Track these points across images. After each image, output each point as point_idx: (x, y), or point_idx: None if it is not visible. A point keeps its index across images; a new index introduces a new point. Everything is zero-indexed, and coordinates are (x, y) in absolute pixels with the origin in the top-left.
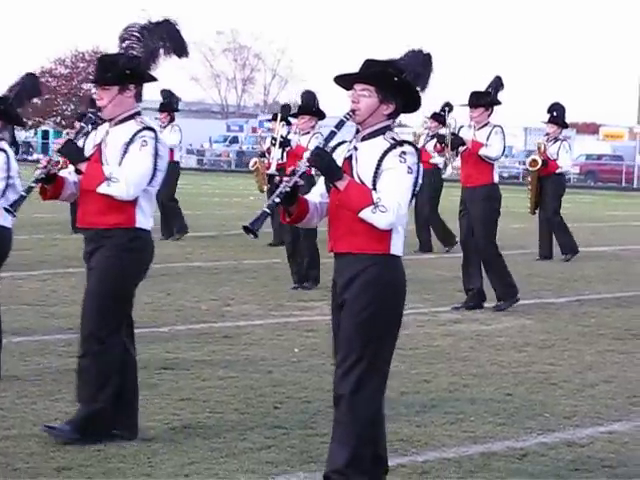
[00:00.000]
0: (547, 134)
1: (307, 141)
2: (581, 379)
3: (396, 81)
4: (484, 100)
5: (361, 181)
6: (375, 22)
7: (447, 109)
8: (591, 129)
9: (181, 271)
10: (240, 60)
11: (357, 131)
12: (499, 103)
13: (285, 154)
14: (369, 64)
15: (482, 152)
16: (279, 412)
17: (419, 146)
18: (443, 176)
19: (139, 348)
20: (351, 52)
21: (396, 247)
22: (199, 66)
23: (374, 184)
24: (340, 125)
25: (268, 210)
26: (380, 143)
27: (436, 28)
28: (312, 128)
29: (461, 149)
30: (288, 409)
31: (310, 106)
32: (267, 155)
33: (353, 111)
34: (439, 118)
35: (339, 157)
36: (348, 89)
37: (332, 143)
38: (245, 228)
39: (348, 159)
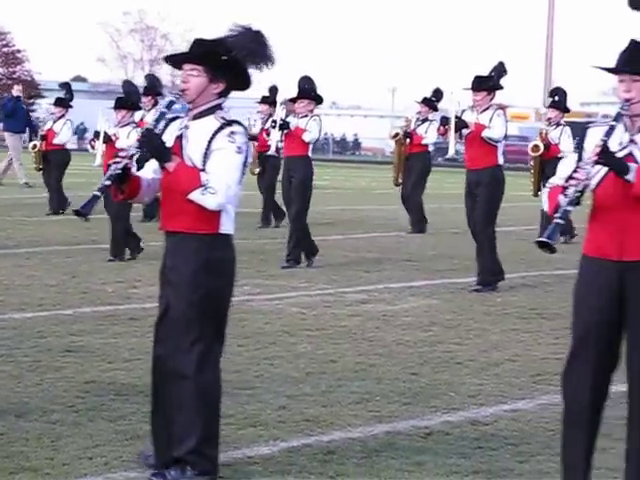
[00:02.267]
0: (549, 119)
1: (305, 124)
2: (486, 358)
3: (224, 60)
4: (486, 84)
5: (191, 161)
6: (281, 5)
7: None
8: None
9: (87, 253)
10: (147, 41)
11: (188, 110)
12: (501, 88)
13: (283, 136)
14: (198, 43)
15: (485, 134)
16: None
17: (409, 130)
18: (447, 157)
19: (43, 330)
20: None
21: (226, 226)
22: (106, 47)
23: (204, 164)
24: (170, 105)
25: (98, 193)
26: (210, 123)
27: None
28: (310, 112)
29: (465, 132)
30: None
31: (309, 90)
32: (266, 136)
33: (182, 90)
34: (430, 103)
35: (171, 134)
36: (179, 69)
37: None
38: (76, 212)
39: (179, 138)
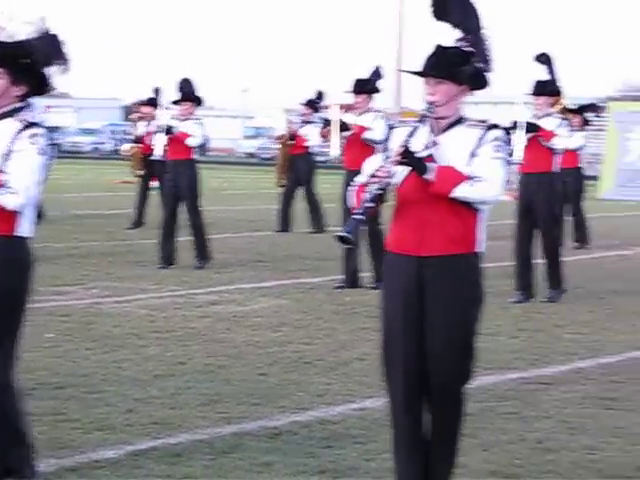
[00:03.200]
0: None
1: (187, 127)
2: (335, 357)
3: (25, 63)
4: (366, 87)
5: None
6: (130, 7)
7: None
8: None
9: None
10: None
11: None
12: (378, 91)
13: (168, 140)
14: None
15: (367, 135)
16: (30, 398)
17: (292, 132)
18: (328, 158)
19: None
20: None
21: (23, 229)
22: None
23: (4, 165)
24: None
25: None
26: (11, 125)
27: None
28: (191, 114)
29: (346, 134)
30: (39, 395)
31: (190, 93)
32: (147, 140)
33: None
34: (313, 105)
35: None
36: None
37: None
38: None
39: None
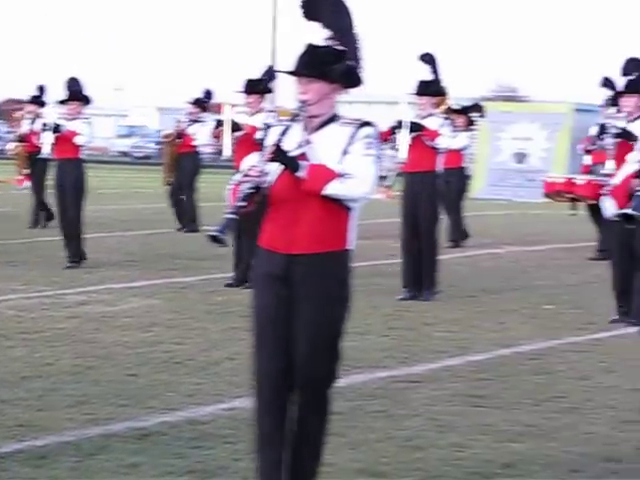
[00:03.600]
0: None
1: (75, 126)
2: (206, 357)
3: None
4: (258, 88)
5: None
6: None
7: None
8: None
9: None
10: None
11: None
12: (271, 91)
13: (55, 138)
14: None
15: (258, 136)
16: None
17: (180, 130)
18: (222, 158)
19: None
20: None
21: None
22: None
23: None
24: None
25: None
26: None
27: None
28: (79, 114)
29: (238, 134)
30: None
31: (78, 92)
32: (32, 139)
33: None
34: (201, 104)
35: None
36: None
37: None
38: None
39: None
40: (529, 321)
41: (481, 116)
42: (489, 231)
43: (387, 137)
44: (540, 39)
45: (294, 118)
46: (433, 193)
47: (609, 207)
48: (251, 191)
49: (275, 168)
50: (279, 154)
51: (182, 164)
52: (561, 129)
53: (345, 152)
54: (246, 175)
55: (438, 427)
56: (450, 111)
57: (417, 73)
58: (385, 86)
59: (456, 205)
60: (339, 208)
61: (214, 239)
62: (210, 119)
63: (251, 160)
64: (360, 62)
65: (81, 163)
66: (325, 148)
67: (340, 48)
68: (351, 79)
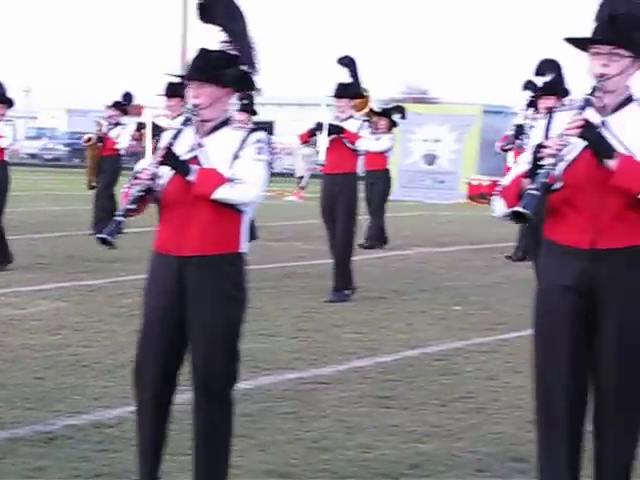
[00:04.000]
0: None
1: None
2: (113, 360)
3: None
4: (179, 91)
5: None
6: None
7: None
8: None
9: None
10: None
11: None
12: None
13: None
14: None
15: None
16: None
17: (101, 134)
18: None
19: None
20: None
21: None
22: None
23: None
24: None
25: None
26: None
27: None
28: (2, 116)
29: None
30: None
31: (1, 95)
32: None
33: None
34: (121, 107)
35: None
36: None
37: None
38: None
39: None
40: (438, 322)
41: (402, 118)
42: (400, 232)
43: (306, 139)
44: (449, 41)
45: (186, 122)
46: (352, 195)
47: (499, 207)
48: (141, 194)
49: (167, 171)
50: (170, 158)
51: (104, 167)
52: (470, 131)
53: (236, 156)
54: (137, 178)
55: (346, 428)
56: (372, 113)
57: (336, 75)
58: (304, 88)
59: (380, 207)
60: (230, 211)
61: (103, 241)
62: (131, 122)
63: (143, 163)
64: (254, 66)
65: (6, 166)
66: (217, 152)
67: (233, 52)
68: (244, 83)
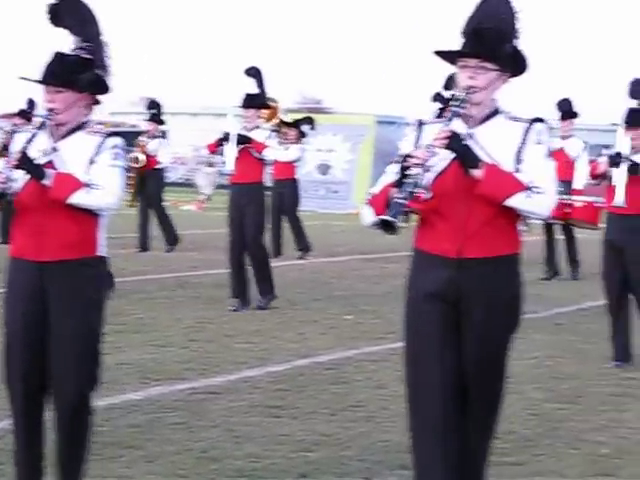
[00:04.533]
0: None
1: None
2: None
3: None
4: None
5: None
6: None
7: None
8: None
9: None
10: None
11: None
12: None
13: None
14: None
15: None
16: None
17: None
18: None
19: None
20: None
21: None
22: None
23: None
24: None
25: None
26: None
27: None
28: None
29: None
30: None
31: None
32: None
33: None
34: (26, 115)
35: None
36: None
37: None
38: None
39: None
40: (329, 331)
41: (312, 128)
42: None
43: (214, 149)
44: (343, 51)
45: (40, 126)
46: (259, 204)
47: (368, 216)
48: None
49: (22, 175)
50: (24, 161)
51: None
52: (363, 141)
53: (92, 161)
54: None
55: (235, 438)
56: (282, 124)
57: (244, 86)
58: (212, 98)
59: (293, 216)
60: (86, 215)
61: None
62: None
63: None
64: (108, 69)
65: None
66: (72, 156)
67: (87, 56)
68: (99, 87)
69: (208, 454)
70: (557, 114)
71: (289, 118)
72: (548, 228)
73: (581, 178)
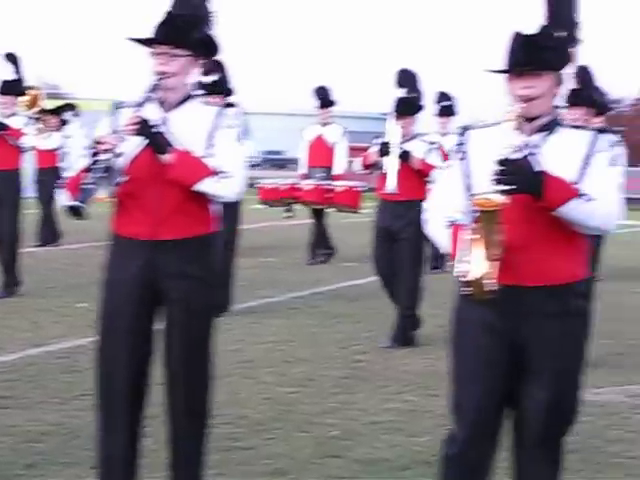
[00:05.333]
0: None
1: None
2: None
3: None
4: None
5: None
6: None
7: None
8: None
9: None
10: None
11: None
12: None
13: None
14: None
15: None
16: None
17: None
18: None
19: None
20: None
21: None
22: None
23: None
24: None
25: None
26: None
27: None
28: None
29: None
30: None
31: None
32: None
33: None
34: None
35: None
36: None
37: None
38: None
39: None
40: (62, 320)
41: (75, 115)
42: (30, 229)
43: None
44: (82, 35)
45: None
46: (16, 191)
47: (62, 199)
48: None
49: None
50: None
51: None
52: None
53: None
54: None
55: None
56: (43, 111)
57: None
58: None
59: (48, 204)
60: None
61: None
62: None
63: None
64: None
65: None
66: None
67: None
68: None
69: None
70: (316, 102)
71: (51, 105)
72: (317, 212)
73: (341, 163)
